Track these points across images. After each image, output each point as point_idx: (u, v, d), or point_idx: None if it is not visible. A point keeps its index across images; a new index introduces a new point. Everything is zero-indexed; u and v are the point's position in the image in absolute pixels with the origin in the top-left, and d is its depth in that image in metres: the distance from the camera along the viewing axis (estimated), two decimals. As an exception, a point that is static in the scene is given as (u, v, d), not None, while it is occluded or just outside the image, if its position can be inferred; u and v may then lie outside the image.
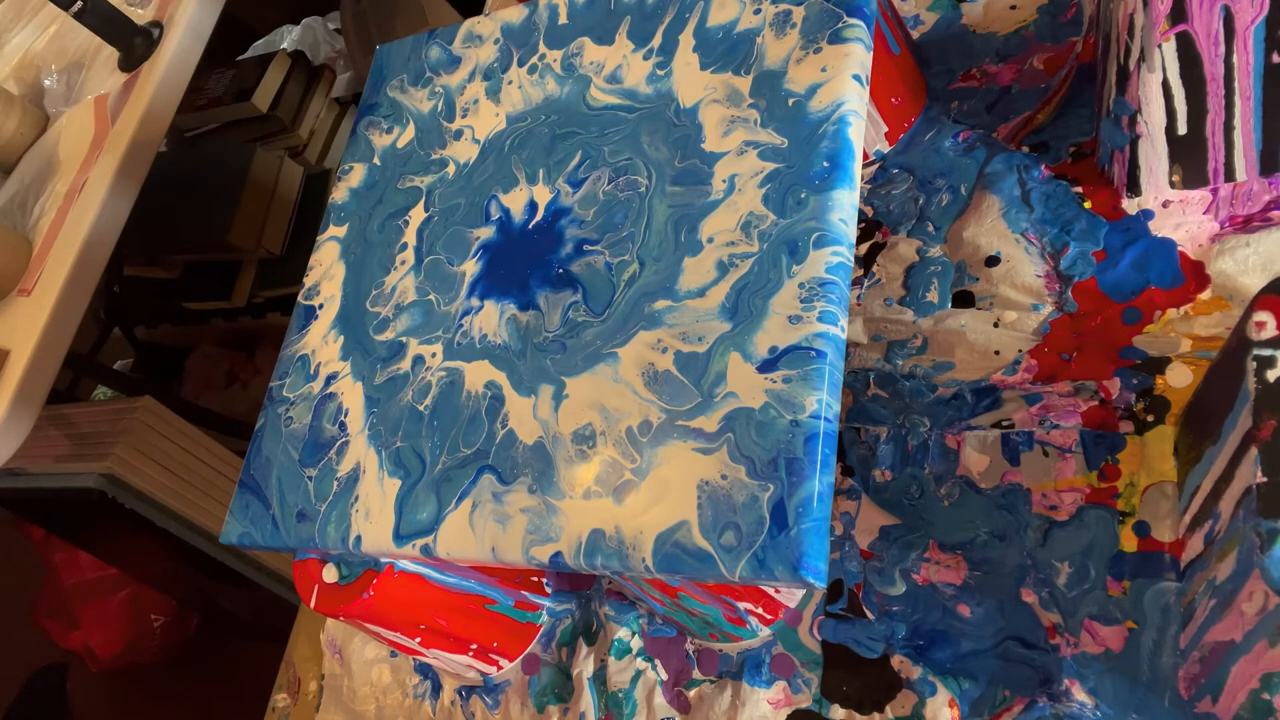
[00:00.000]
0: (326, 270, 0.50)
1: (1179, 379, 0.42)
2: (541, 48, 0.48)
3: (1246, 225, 0.43)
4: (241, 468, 0.46)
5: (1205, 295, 0.43)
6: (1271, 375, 0.31)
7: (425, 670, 0.57)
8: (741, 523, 0.32)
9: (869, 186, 0.54)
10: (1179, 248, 0.44)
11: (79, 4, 0.82)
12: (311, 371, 0.47)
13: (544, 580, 0.55)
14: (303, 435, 0.45)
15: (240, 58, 1.63)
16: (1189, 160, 0.43)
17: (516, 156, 0.46)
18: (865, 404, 0.49)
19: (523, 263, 0.43)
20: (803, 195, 0.36)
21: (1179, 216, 0.44)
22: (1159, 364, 0.42)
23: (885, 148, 0.55)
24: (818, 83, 0.38)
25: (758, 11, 0.41)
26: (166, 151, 1.55)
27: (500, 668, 0.54)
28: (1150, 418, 0.42)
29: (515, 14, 0.50)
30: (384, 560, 0.45)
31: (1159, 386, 0.42)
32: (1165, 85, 0.40)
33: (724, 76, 0.41)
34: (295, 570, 0.47)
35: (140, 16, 0.91)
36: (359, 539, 0.40)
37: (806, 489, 0.31)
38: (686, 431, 0.35)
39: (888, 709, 0.42)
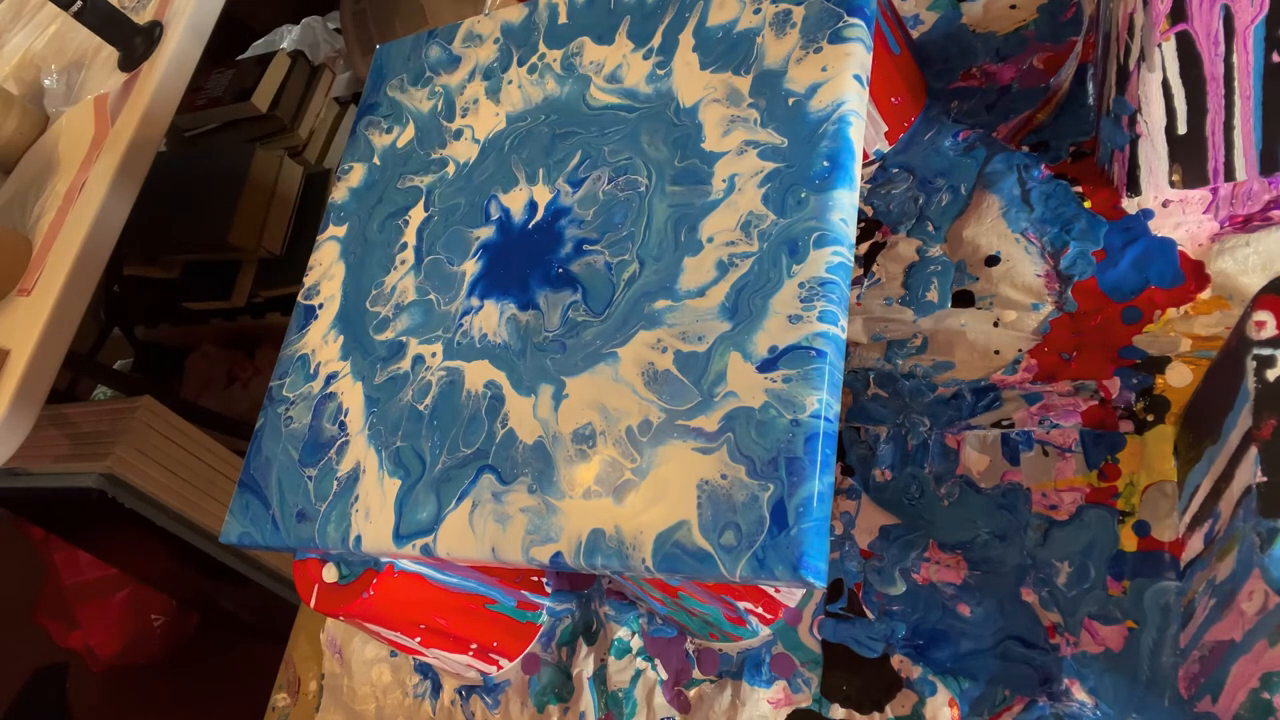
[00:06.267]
0: (326, 270, 0.50)
1: (1179, 379, 0.42)
2: (541, 47, 0.48)
3: (1246, 225, 0.43)
4: (241, 468, 0.46)
5: (1205, 295, 0.43)
6: (1271, 375, 0.31)
7: (425, 670, 0.57)
8: (741, 522, 0.32)
9: (869, 186, 0.54)
10: (1179, 247, 0.44)
11: (79, 4, 0.82)
12: (311, 371, 0.47)
13: (544, 580, 0.55)
14: (303, 435, 0.45)
15: (240, 57, 1.63)
16: (1189, 160, 0.43)
17: (516, 156, 0.46)
18: (865, 403, 0.49)
19: (523, 262, 0.43)
20: (803, 195, 0.36)
21: (1179, 216, 0.44)
22: (1159, 363, 0.42)
23: (885, 147, 0.55)
24: (818, 82, 0.38)
25: (758, 11, 0.41)
26: (166, 151, 1.55)
27: (500, 667, 0.54)
28: (1150, 417, 0.42)
29: (515, 13, 0.50)
30: (384, 560, 0.45)
31: (1159, 386, 0.42)
32: (1165, 85, 0.40)
33: (724, 76, 0.41)
34: (295, 570, 0.47)
35: (140, 16, 0.91)
36: (359, 539, 0.40)
37: (806, 489, 0.31)
38: (686, 431, 0.35)
39: (888, 709, 0.42)
